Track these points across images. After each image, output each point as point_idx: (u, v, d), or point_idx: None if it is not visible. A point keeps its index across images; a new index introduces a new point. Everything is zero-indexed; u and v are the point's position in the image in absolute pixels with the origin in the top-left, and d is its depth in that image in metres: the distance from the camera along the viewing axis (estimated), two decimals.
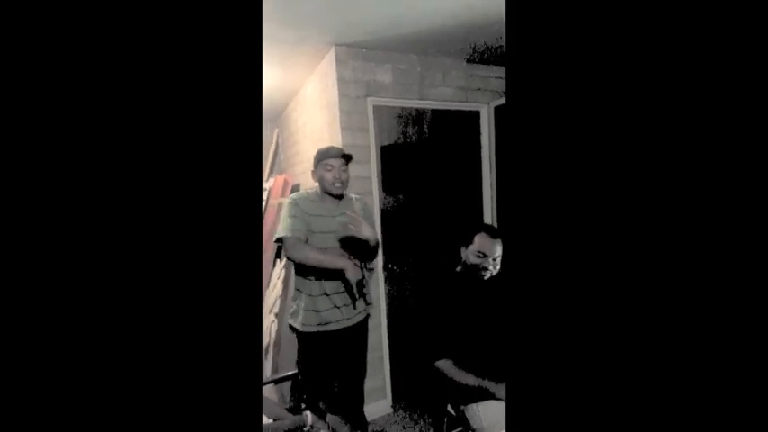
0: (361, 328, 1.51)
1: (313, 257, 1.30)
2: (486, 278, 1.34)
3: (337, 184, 1.37)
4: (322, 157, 1.38)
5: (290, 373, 1.59)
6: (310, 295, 1.39)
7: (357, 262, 1.34)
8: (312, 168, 1.42)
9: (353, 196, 1.53)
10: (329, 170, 1.36)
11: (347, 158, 1.38)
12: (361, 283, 1.32)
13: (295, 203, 1.38)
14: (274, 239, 1.36)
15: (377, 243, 1.39)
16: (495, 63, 2.18)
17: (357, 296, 1.39)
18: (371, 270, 1.44)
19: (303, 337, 1.44)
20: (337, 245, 1.38)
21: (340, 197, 1.42)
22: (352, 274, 1.28)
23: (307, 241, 1.34)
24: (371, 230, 1.34)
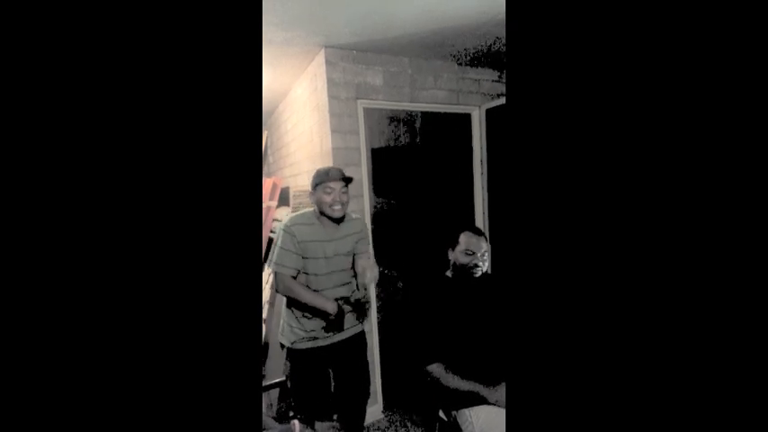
0: (356, 343, 1.45)
1: (301, 296, 1.29)
2: (477, 275, 1.35)
3: (336, 207, 1.29)
4: (321, 179, 1.29)
5: (277, 380, 1.56)
6: (297, 315, 1.36)
7: (340, 303, 1.32)
8: (310, 190, 1.34)
9: (354, 216, 1.46)
10: (329, 193, 1.28)
11: (347, 180, 1.31)
12: (340, 318, 1.32)
13: (290, 233, 1.30)
14: (266, 265, 1.33)
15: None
16: (487, 66, 2.19)
17: (335, 328, 1.37)
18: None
19: (293, 354, 1.39)
20: (331, 269, 1.35)
21: (340, 220, 1.36)
22: (333, 313, 1.29)
23: (297, 274, 1.33)
24: (372, 275, 1.29)
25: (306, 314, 1.35)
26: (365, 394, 1.51)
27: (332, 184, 1.28)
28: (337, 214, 1.31)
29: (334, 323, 1.31)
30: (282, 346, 1.43)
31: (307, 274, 1.34)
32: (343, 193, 1.31)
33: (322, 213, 1.33)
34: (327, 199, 1.29)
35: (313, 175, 1.34)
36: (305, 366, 1.39)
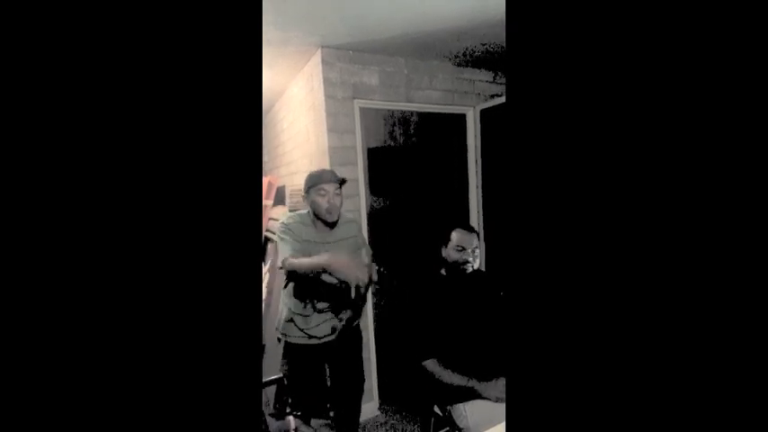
0: (350, 339, 1.47)
1: (306, 264, 1.20)
2: (468, 271, 1.38)
3: (331, 211, 1.30)
4: (315, 181, 1.30)
5: (274, 377, 1.57)
6: (294, 311, 1.38)
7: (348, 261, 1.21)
8: (303, 193, 1.34)
9: (349, 216, 1.47)
10: (322, 195, 1.28)
11: (341, 182, 1.32)
12: (359, 292, 1.29)
13: (287, 229, 1.31)
14: (278, 267, 1.28)
15: (366, 283, 1.26)
16: (482, 66, 2.21)
17: (357, 300, 1.33)
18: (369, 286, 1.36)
19: (290, 349, 1.41)
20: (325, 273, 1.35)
21: (333, 224, 1.36)
22: (351, 274, 1.11)
23: None
24: (362, 271, 1.13)
25: (302, 312, 1.35)
26: (359, 390, 1.52)
27: (326, 186, 1.29)
28: (331, 218, 1.32)
29: (357, 294, 1.28)
30: (279, 339, 1.44)
31: None
32: (337, 194, 1.31)
33: (317, 216, 1.34)
34: (321, 201, 1.29)
35: (305, 178, 1.34)
36: (300, 361, 1.41)
